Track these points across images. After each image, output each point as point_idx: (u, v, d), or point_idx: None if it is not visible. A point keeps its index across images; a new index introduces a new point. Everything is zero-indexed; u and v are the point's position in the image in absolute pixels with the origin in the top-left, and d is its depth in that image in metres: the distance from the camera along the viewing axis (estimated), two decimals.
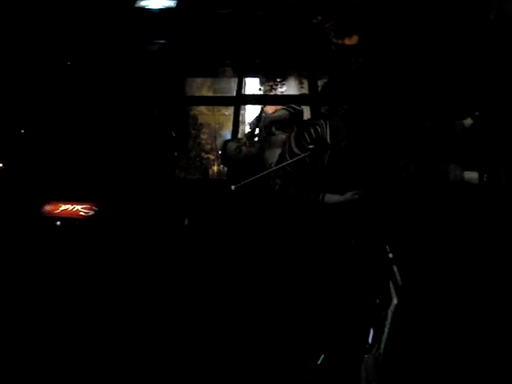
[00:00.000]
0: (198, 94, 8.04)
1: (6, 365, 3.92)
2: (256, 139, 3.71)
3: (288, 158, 3.38)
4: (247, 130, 3.75)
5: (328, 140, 3.33)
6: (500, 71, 3.89)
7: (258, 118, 3.63)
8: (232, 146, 3.58)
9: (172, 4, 7.07)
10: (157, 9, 7.05)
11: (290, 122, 3.59)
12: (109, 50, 6.45)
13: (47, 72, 6.07)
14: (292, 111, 3.61)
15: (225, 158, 3.68)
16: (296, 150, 3.38)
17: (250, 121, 3.72)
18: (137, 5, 7.07)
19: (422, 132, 3.43)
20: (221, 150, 3.70)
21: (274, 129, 3.65)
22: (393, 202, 3.47)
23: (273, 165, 3.47)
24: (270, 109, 6.47)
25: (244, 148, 3.54)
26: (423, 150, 3.37)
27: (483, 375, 2.70)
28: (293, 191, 3.41)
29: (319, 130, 3.40)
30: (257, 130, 3.74)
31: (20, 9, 6.14)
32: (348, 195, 3.33)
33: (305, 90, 6.97)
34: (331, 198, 3.39)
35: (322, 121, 3.47)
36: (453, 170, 3.24)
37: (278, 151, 3.50)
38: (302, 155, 3.20)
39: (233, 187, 3.16)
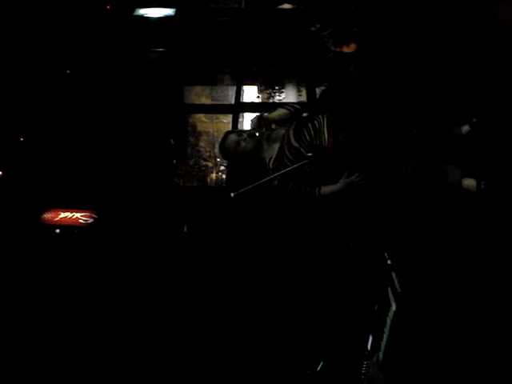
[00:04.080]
0: (196, 101, 8.06)
1: (5, 368, 3.93)
2: (257, 134, 3.68)
3: (287, 152, 3.40)
4: (249, 128, 3.73)
5: (326, 134, 3.36)
6: (498, 78, 3.92)
7: (259, 117, 3.63)
8: (232, 138, 3.56)
9: (171, 12, 7.10)
10: (156, 17, 7.08)
11: (290, 119, 3.60)
12: (108, 59, 6.47)
13: (47, 80, 6.09)
14: (292, 110, 3.63)
15: (223, 150, 3.65)
16: (295, 144, 3.39)
17: (252, 119, 3.70)
18: (136, 13, 7.11)
19: (419, 135, 3.45)
20: (220, 140, 3.67)
21: (274, 126, 3.66)
22: (391, 206, 3.48)
23: (272, 159, 3.48)
24: None
25: (243, 143, 3.52)
26: (421, 152, 3.39)
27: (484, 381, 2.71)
28: (291, 186, 3.42)
29: (317, 124, 3.42)
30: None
31: (19, 17, 6.16)
32: (341, 182, 3.34)
33: (303, 98, 7.00)
34: (327, 189, 3.40)
35: (321, 116, 3.50)
36: (451, 172, 3.25)
37: (276, 146, 3.50)
38: (300, 163, 3.22)
39: (232, 194, 3.17)
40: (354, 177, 3.29)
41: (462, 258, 3.16)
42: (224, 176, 7.82)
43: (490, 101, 3.83)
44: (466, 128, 3.49)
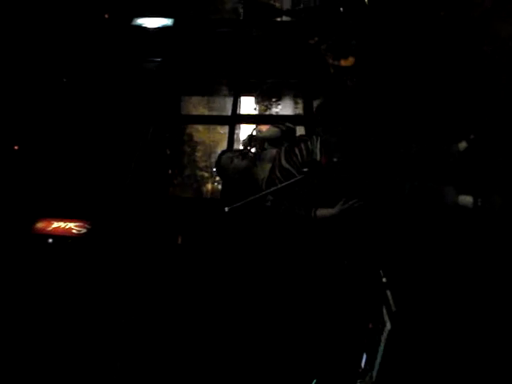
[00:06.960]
0: (193, 112, 8.07)
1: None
2: (251, 153, 3.68)
3: (277, 173, 3.36)
4: (241, 147, 3.74)
5: (318, 155, 3.33)
6: (495, 95, 3.92)
7: (251, 137, 3.62)
8: (226, 155, 3.57)
9: (169, 23, 7.12)
10: (154, 27, 7.10)
11: (282, 139, 3.58)
12: (105, 68, 6.47)
13: (43, 89, 6.08)
14: (284, 129, 3.60)
15: (218, 168, 3.66)
16: (285, 165, 3.36)
17: (243, 139, 3.71)
18: (134, 23, 7.12)
19: (416, 154, 3.43)
20: (216, 160, 3.68)
21: (266, 144, 3.64)
22: (387, 225, 3.46)
23: (264, 180, 3.45)
24: (263, 127, 6.50)
25: (236, 159, 3.51)
26: (418, 171, 3.37)
27: None
28: (285, 207, 3.39)
29: (310, 145, 3.38)
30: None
31: (17, 24, 6.16)
32: (338, 207, 3.30)
33: (300, 111, 7.02)
34: (323, 212, 3.35)
35: (314, 137, 3.46)
36: (448, 193, 3.23)
37: (268, 166, 3.47)
38: (296, 178, 3.19)
39: (226, 209, 3.14)
40: (351, 202, 3.25)
41: (457, 277, 3.15)
42: (220, 186, 7.83)
43: (488, 117, 3.83)
44: (463, 145, 3.48)
